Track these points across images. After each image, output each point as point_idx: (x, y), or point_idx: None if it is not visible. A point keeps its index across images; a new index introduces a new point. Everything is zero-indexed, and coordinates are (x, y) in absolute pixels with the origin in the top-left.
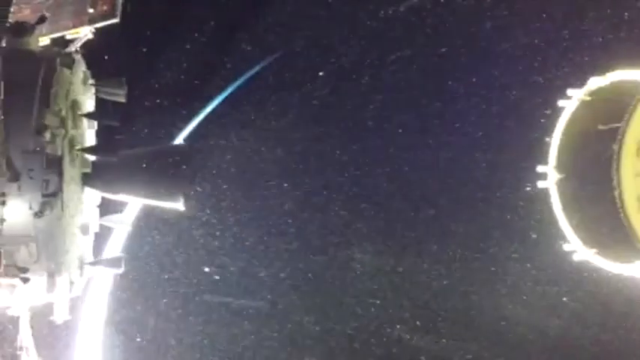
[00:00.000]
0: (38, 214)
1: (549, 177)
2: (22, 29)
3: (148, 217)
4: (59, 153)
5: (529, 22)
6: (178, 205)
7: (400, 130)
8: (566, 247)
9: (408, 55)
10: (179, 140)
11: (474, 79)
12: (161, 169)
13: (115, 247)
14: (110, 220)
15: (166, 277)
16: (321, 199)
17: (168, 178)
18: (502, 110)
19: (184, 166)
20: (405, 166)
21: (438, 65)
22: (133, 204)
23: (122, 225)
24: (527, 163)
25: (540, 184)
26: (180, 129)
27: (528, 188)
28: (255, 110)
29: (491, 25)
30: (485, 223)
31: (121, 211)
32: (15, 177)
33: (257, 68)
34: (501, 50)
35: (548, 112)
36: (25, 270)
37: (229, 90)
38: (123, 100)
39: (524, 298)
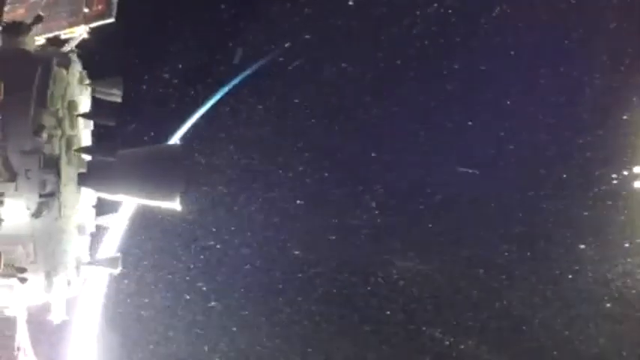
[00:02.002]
0: (36, 215)
1: None
2: (18, 29)
3: (144, 216)
4: (56, 153)
5: (616, 26)
6: (175, 205)
7: (470, 123)
8: None
9: (481, 49)
10: (175, 139)
11: (557, 81)
12: (157, 168)
13: (112, 247)
14: (106, 220)
15: (164, 276)
16: (359, 202)
17: (164, 178)
18: (593, 112)
19: (179, 166)
20: (472, 166)
21: (519, 65)
22: (129, 204)
23: (118, 225)
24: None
25: (637, 184)
26: (177, 128)
27: (617, 178)
28: (269, 107)
29: (578, 28)
30: (567, 225)
31: (116, 211)
32: (12, 177)
33: (254, 67)
34: (591, 53)
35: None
36: (22, 270)
37: (226, 89)
38: (119, 100)
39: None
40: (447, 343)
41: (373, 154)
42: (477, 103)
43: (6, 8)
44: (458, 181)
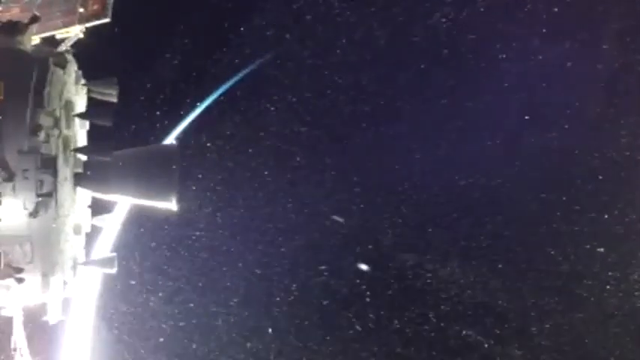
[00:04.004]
0: (33, 214)
1: None
2: (15, 29)
3: (140, 216)
4: (53, 153)
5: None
6: (171, 205)
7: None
8: None
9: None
10: (171, 139)
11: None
12: (152, 168)
13: (107, 246)
14: (101, 220)
15: (159, 276)
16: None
17: (159, 178)
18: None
19: (175, 166)
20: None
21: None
22: (124, 203)
23: (113, 225)
24: None
25: None
26: (172, 128)
27: None
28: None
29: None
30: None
31: (111, 211)
32: (10, 177)
33: (251, 67)
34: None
35: None
36: (20, 270)
37: (222, 89)
38: (114, 99)
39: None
40: (486, 345)
41: (397, 155)
42: (505, 107)
43: (0, 8)
44: (489, 187)
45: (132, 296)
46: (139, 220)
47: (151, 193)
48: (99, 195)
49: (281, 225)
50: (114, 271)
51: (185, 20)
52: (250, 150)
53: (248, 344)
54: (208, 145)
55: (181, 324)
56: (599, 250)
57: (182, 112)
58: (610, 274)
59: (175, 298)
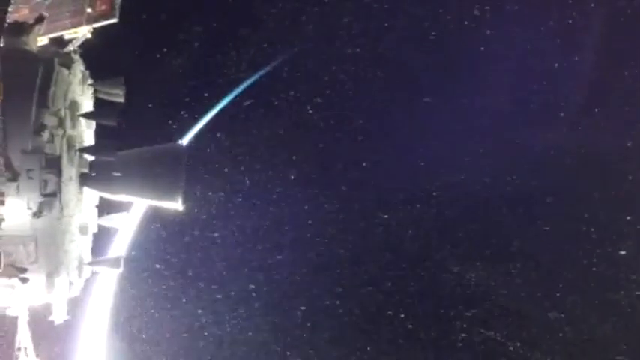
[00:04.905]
0: (37, 214)
1: None
2: (21, 29)
3: (149, 216)
4: (58, 153)
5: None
6: (177, 205)
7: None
8: None
9: None
10: (180, 141)
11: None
12: (159, 169)
13: (116, 246)
14: (109, 220)
15: (169, 276)
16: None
17: (165, 178)
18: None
19: (181, 166)
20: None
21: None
22: (133, 204)
23: (121, 225)
24: None
25: None
26: (179, 129)
27: None
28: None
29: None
30: None
31: (119, 212)
32: (14, 177)
33: (261, 72)
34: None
35: None
36: (23, 270)
37: (235, 93)
38: (121, 100)
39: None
40: (511, 348)
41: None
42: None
43: (10, 9)
44: (517, 189)
45: (146, 300)
46: (155, 221)
47: (156, 193)
48: (105, 195)
49: (303, 228)
50: (120, 270)
51: (195, 20)
52: (272, 151)
53: (269, 351)
54: (227, 144)
55: (198, 330)
56: (622, 252)
57: (191, 113)
58: (633, 277)
59: (192, 302)
